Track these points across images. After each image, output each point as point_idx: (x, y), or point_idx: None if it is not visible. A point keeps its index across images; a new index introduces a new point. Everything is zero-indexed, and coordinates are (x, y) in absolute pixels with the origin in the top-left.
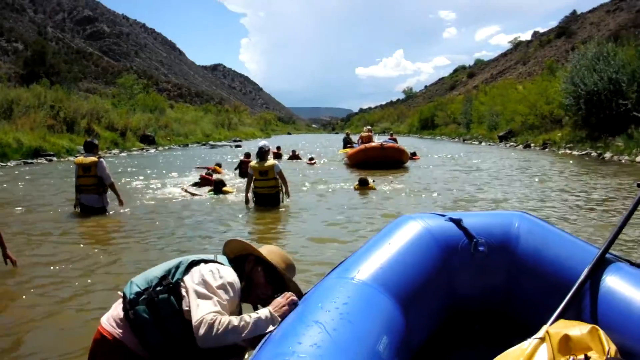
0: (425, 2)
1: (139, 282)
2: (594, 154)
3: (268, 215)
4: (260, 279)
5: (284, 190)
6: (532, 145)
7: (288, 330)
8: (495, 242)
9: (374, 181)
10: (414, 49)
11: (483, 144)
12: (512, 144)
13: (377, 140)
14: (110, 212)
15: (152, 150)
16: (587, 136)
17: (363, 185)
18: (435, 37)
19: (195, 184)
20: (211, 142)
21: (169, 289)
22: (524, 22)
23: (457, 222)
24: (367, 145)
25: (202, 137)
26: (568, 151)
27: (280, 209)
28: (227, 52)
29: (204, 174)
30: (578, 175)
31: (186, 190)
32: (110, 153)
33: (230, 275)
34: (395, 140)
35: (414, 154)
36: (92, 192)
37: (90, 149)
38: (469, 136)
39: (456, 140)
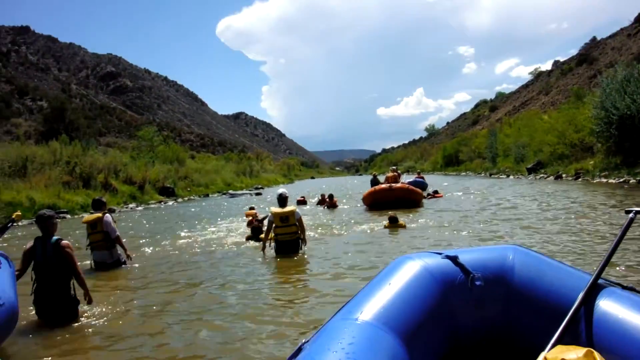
0: (443, 38)
1: None
2: (632, 180)
3: (291, 261)
4: None
5: (302, 237)
6: (564, 175)
7: None
8: (491, 275)
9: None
10: (434, 86)
11: (511, 177)
12: (542, 175)
13: (405, 179)
14: (122, 267)
15: (171, 203)
16: (622, 162)
17: (393, 223)
18: (455, 73)
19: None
20: (231, 191)
21: None
22: (543, 52)
23: (454, 259)
24: (376, 187)
25: (223, 186)
26: (603, 180)
27: (304, 255)
28: (248, 100)
29: (252, 219)
30: (616, 206)
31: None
32: (127, 207)
33: None
34: (422, 178)
35: (436, 192)
36: (102, 249)
37: (99, 206)
38: (496, 170)
39: (482, 175)
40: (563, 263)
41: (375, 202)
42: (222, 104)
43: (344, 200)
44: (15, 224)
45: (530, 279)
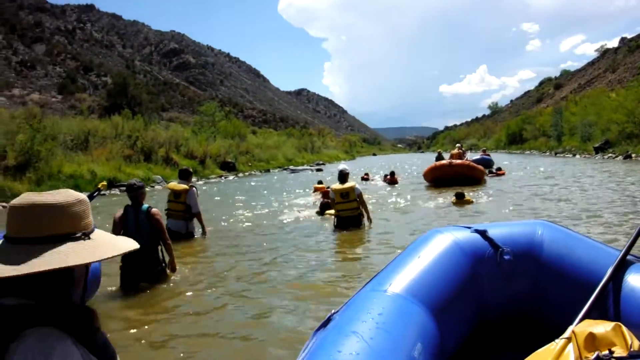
0: (507, 15)
1: None
2: None
3: (352, 237)
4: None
5: (365, 214)
6: (633, 155)
7: (327, 341)
8: (520, 250)
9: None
10: (497, 63)
11: (577, 156)
12: (610, 155)
13: (470, 157)
14: (195, 238)
15: (231, 177)
16: None
17: (460, 199)
18: (519, 51)
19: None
20: (292, 167)
21: None
22: (609, 29)
23: (483, 233)
24: (437, 163)
25: (284, 161)
26: None
27: (365, 231)
28: (310, 76)
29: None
30: None
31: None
32: None
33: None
34: (488, 156)
35: (499, 169)
36: (179, 218)
37: (185, 176)
38: (561, 149)
39: (547, 154)
40: (592, 239)
41: (436, 178)
42: (284, 80)
43: (406, 175)
44: (100, 193)
45: (559, 254)
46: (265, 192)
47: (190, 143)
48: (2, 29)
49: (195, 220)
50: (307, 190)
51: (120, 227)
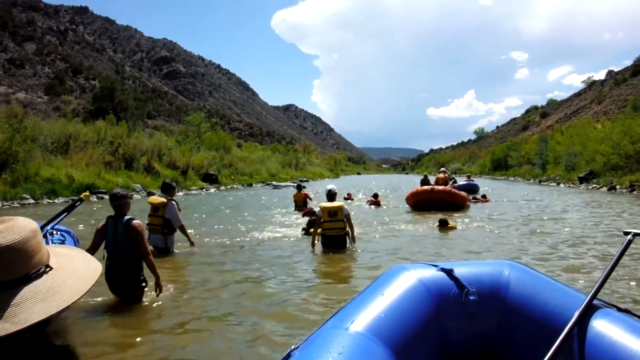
0: (497, 43)
1: None
2: None
3: (336, 258)
4: None
5: (350, 234)
6: (618, 187)
7: None
8: (486, 290)
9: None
10: (485, 89)
11: (561, 185)
12: (594, 185)
13: (458, 181)
14: (176, 252)
15: (212, 190)
16: None
17: (443, 226)
18: (507, 78)
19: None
20: (274, 182)
21: None
22: (596, 61)
23: (449, 272)
24: (419, 188)
25: (268, 176)
26: None
27: (349, 252)
28: (299, 92)
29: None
30: None
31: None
32: None
33: None
34: (473, 182)
35: (484, 196)
36: (157, 232)
37: (166, 190)
38: (545, 177)
39: (531, 181)
40: (559, 281)
41: (417, 204)
42: (272, 95)
43: (390, 197)
44: (82, 203)
45: (525, 296)
46: (247, 207)
47: (173, 153)
48: None
49: (175, 236)
50: (288, 209)
51: (101, 238)
